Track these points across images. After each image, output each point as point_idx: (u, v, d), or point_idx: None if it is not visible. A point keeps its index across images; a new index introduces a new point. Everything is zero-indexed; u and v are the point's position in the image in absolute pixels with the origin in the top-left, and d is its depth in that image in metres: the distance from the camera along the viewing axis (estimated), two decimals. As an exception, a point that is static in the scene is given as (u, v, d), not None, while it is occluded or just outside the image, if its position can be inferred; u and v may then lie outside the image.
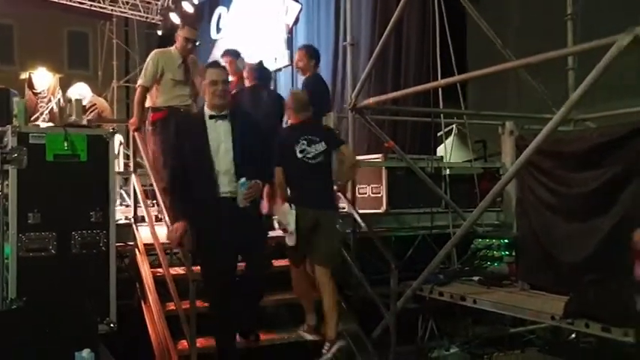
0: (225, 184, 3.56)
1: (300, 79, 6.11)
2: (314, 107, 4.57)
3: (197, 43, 5.37)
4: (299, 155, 4.13)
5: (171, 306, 3.92)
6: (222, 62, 5.43)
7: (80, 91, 6.41)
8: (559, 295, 3.86)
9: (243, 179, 3.50)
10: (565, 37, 5.98)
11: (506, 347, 5.23)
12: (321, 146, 4.18)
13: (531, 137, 3.82)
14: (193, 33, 5.08)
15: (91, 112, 6.03)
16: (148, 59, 4.98)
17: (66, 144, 3.25)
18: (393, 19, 4.76)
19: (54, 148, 3.31)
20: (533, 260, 4.28)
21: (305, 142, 4.17)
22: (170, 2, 11.01)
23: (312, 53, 5.62)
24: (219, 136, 3.60)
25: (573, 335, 4.95)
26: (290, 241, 4.10)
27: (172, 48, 5.02)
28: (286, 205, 4.07)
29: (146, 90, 4.90)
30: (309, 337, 4.14)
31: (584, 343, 4.91)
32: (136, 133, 4.82)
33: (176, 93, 4.93)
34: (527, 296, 4.23)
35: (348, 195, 5.09)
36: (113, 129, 3.61)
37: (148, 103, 4.95)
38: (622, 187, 3.44)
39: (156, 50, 5.11)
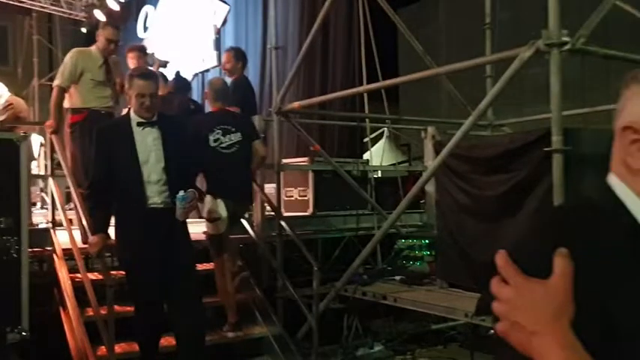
0: (156, 195, 3.37)
1: (228, 80, 6.14)
2: (241, 110, 4.69)
3: (119, 43, 5.26)
4: (212, 144, 4.19)
5: (90, 312, 3.85)
6: (129, 59, 5.50)
7: None
8: (475, 293, 4.04)
9: (181, 192, 3.27)
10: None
11: (429, 343, 5.41)
12: (236, 136, 4.24)
13: (447, 142, 3.99)
14: (115, 33, 4.92)
15: (6, 112, 5.78)
16: (66, 58, 4.80)
17: (-27, 149, 3.13)
18: (317, 22, 4.84)
19: (-39, 152, 3.17)
20: (450, 259, 4.46)
21: (220, 131, 4.23)
22: (95, -1, 10.72)
23: (239, 55, 5.65)
24: (149, 144, 3.40)
25: (492, 331, 5.17)
26: (218, 229, 4.21)
27: (93, 47, 4.86)
28: (208, 196, 4.18)
29: (63, 91, 4.71)
30: (231, 334, 4.20)
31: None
32: (53, 136, 4.65)
33: (97, 94, 4.76)
34: (444, 294, 4.40)
35: (274, 198, 5.15)
36: (25, 132, 3.50)
37: (66, 104, 4.78)
38: (528, 191, 3.63)
39: (75, 49, 4.91)
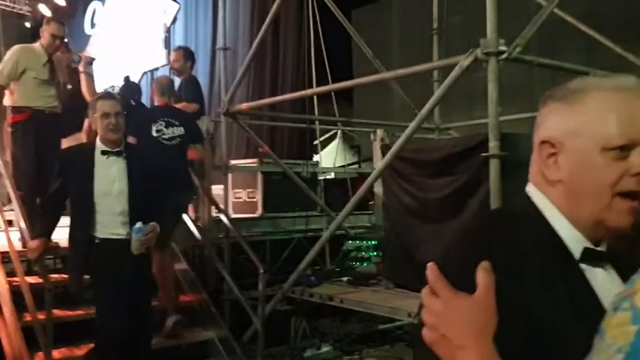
0: (118, 226, 3.30)
1: (178, 80, 6.10)
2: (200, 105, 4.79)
3: (65, 40, 5.12)
4: (154, 134, 4.37)
5: (28, 317, 3.76)
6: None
7: None
8: (420, 293, 4.11)
9: (139, 224, 3.19)
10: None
11: (376, 343, 5.49)
12: (179, 130, 4.44)
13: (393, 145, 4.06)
14: (60, 29, 4.76)
15: None
16: (7, 55, 4.62)
17: None
18: (266, 22, 4.84)
19: None
20: (396, 260, 4.53)
21: (163, 123, 4.42)
22: (41, -6, 10.40)
23: (188, 54, 5.62)
24: (112, 175, 3.32)
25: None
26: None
27: (37, 44, 4.69)
28: None
29: (2, 89, 4.54)
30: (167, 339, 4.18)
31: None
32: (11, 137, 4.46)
33: (40, 93, 4.61)
34: (390, 294, 4.46)
35: (222, 200, 5.12)
36: None
37: (7, 102, 4.60)
38: (469, 194, 3.73)
39: (18, 46, 4.74)
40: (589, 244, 1.02)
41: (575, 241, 1.02)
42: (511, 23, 3.37)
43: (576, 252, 1.01)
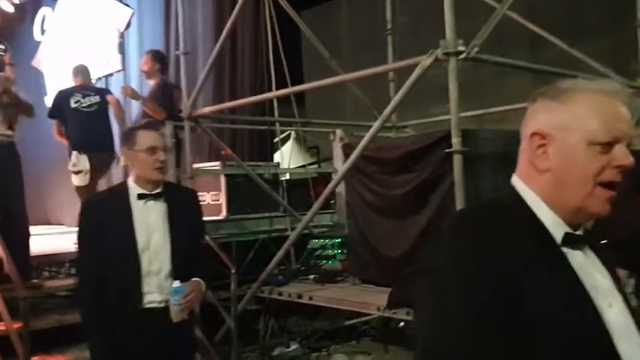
0: (155, 291, 2.59)
1: (146, 84, 6.12)
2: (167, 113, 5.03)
3: (3, 53, 4.92)
4: (73, 105, 5.41)
5: (2, 326, 3.74)
6: None
7: None
8: (385, 288, 4.25)
9: (176, 283, 2.55)
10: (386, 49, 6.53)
11: (343, 339, 5.60)
12: (95, 99, 5.56)
13: (357, 144, 4.18)
14: None
15: None
16: None
17: None
18: (226, 28, 4.88)
19: None
20: (361, 257, 4.64)
21: (80, 95, 5.50)
22: (-14, 0, 10.12)
23: (156, 57, 5.67)
24: (151, 224, 2.63)
25: (402, 323, 5.44)
26: (83, 181, 5.28)
27: None
28: (74, 151, 5.27)
29: None
30: None
31: (412, 330, 5.39)
32: None
33: None
34: (357, 290, 4.58)
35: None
36: None
37: None
38: (431, 190, 3.88)
39: None
40: (569, 230, 1.15)
41: (556, 226, 1.14)
42: (461, 23, 3.52)
43: (558, 236, 1.14)
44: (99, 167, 5.49)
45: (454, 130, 3.20)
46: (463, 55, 3.20)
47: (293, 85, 5.79)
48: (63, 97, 5.53)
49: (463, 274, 1.07)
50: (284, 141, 7.10)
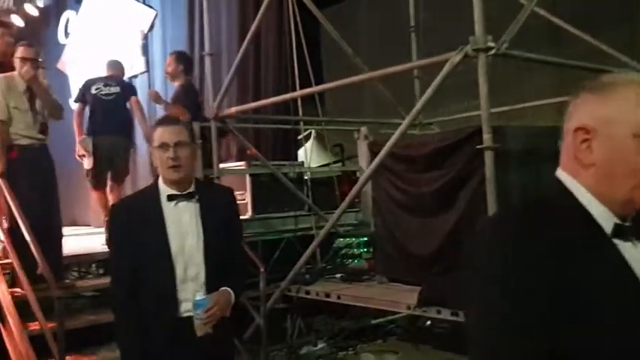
0: (190, 299, 2.42)
1: (170, 85, 6.19)
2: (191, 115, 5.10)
3: (40, 60, 4.92)
4: (93, 92, 5.82)
5: (32, 326, 3.80)
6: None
7: None
8: (413, 286, 4.23)
9: (199, 295, 2.38)
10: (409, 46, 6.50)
11: (370, 338, 5.60)
12: (115, 89, 5.92)
13: (383, 142, 4.16)
14: (29, 51, 4.52)
15: None
16: None
17: None
18: (251, 30, 4.91)
19: None
20: (388, 255, 4.63)
21: (102, 83, 5.92)
22: (11, 4, 10.28)
23: (180, 58, 5.71)
24: (183, 227, 2.45)
25: (429, 322, 5.42)
26: (87, 164, 5.72)
27: (14, 73, 4.48)
28: (83, 135, 5.73)
29: (4, 125, 4.32)
30: None
31: (440, 329, 5.38)
32: (0, 181, 4.25)
33: (22, 126, 4.41)
34: (384, 289, 4.56)
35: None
36: None
37: None
38: (460, 187, 3.85)
39: None
40: (618, 221, 1.15)
41: (605, 218, 1.14)
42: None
43: (607, 228, 1.13)
44: (108, 152, 5.72)
45: (485, 126, 3.18)
46: (493, 52, 3.17)
47: (317, 84, 5.79)
48: (87, 83, 5.97)
49: (512, 267, 1.08)
50: (305, 140, 7.10)
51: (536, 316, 1.04)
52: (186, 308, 2.42)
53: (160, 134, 2.47)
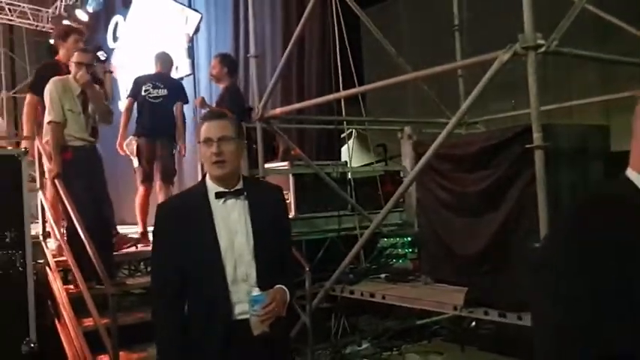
0: (245, 300, 2.28)
1: (215, 87, 6.31)
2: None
3: (101, 60, 5.12)
4: (142, 93, 5.89)
5: (86, 322, 3.92)
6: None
7: None
8: (459, 287, 4.20)
9: (256, 291, 2.26)
10: (450, 45, 6.45)
11: (414, 339, 5.57)
12: (162, 92, 5.92)
13: (429, 142, 4.15)
14: (86, 57, 4.67)
15: None
16: (46, 90, 4.53)
17: (-23, 165, 3.16)
18: (295, 33, 4.97)
19: (-36, 169, 3.19)
20: (434, 255, 4.59)
21: (151, 85, 5.93)
22: (62, 10, 10.63)
23: (224, 61, 5.81)
24: (232, 225, 2.34)
25: (474, 323, 5.37)
26: (134, 163, 5.96)
27: (70, 76, 4.64)
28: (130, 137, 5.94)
29: (59, 126, 4.45)
30: None
31: (485, 330, 5.32)
32: (57, 181, 4.29)
33: (76, 128, 4.53)
34: (430, 289, 4.53)
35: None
36: (26, 149, 3.49)
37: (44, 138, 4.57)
38: (508, 186, 3.81)
39: (53, 79, 4.64)
40: None
41: None
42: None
43: None
44: (152, 154, 5.82)
45: (535, 125, 3.14)
46: (543, 49, 3.13)
47: (360, 84, 5.81)
48: (138, 81, 6.05)
49: (581, 265, 1.12)
50: (347, 138, 7.13)
51: (602, 313, 1.05)
52: (239, 310, 2.28)
53: (205, 129, 2.36)
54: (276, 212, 2.46)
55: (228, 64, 5.90)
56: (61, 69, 4.89)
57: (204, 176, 2.45)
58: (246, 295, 2.26)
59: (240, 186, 2.38)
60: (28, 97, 5.07)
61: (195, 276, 2.29)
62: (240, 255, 2.30)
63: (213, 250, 2.28)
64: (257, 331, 2.24)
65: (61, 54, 5.04)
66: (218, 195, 2.34)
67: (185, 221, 2.34)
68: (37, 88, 4.84)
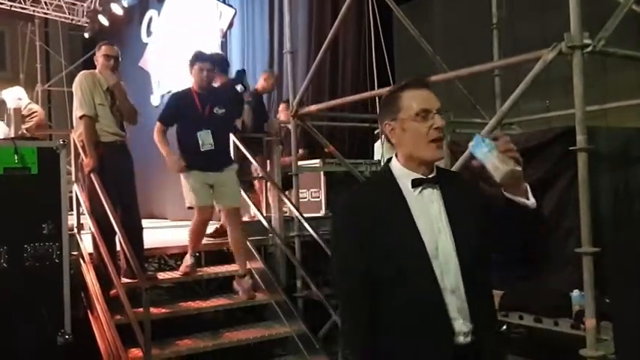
0: (459, 317, 1.75)
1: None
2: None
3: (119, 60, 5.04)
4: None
5: (118, 315, 3.95)
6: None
7: (17, 95, 5.97)
8: (495, 290, 4.12)
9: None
10: (485, 44, 6.34)
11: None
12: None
13: (463, 142, 4.06)
14: (112, 49, 4.65)
15: (31, 119, 5.75)
16: (76, 84, 4.49)
17: (16, 157, 3.19)
18: (331, 31, 4.92)
19: (4, 162, 3.22)
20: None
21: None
22: (97, 4, 10.75)
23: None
24: (433, 221, 1.81)
25: (504, 327, 5.27)
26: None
27: (96, 70, 4.60)
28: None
29: (92, 120, 4.42)
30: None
31: (516, 334, 5.24)
32: (92, 175, 4.27)
33: (107, 122, 4.50)
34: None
35: (293, 199, 5.24)
36: (64, 141, 3.51)
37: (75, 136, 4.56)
38: (547, 188, 3.72)
39: (82, 72, 4.64)
40: None
41: None
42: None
43: None
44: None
45: (579, 127, 3.05)
46: (589, 49, 3.04)
47: (394, 82, 5.74)
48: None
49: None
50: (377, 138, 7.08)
51: None
52: (460, 330, 1.75)
53: (418, 98, 1.84)
54: (477, 209, 1.86)
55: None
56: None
57: (386, 163, 1.94)
58: (458, 310, 1.74)
59: (435, 173, 1.87)
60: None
61: (398, 289, 1.78)
62: (447, 260, 1.78)
63: (417, 252, 1.77)
64: (503, 171, 1.69)
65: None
66: (415, 183, 1.83)
67: (376, 216, 1.83)
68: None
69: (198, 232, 4.76)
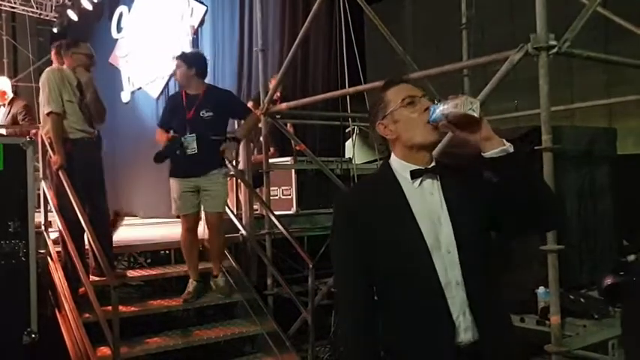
0: (459, 312, 1.70)
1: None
2: None
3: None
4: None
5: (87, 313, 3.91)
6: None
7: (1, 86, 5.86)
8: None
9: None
10: (455, 44, 6.44)
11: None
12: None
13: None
14: (91, 49, 4.63)
15: (26, 117, 5.63)
16: (44, 80, 4.41)
17: (-19, 154, 3.13)
18: (302, 31, 4.93)
19: (-31, 159, 3.16)
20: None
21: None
22: (67, -1, 10.58)
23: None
24: (434, 212, 1.76)
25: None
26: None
27: (64, 67, 4.53)
28: None
29: (60, 117, 4.35)
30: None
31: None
32: (60, 172, 4.23)
33: (75, 119, 4.43)
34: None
35: (264, 197, 5.24)
36: (31, 137, 3.45)
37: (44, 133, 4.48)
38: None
39: (50, 68, 4.55)
40: None
41: None
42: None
43: None
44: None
45: (545, 127, 3.11)
46: (555, 50, 3.11)
47: (365, 81, 5.78)
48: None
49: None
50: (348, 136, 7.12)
51: None
52: (465, 326, 1.69)
53: (399, 91, 1.82)
54: (478, 201, 1.79)
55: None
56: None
57: (385, 159, 1.89)
58: (460, 306, 1.69)
59: (433, 162, 1.83)
60: None
61: (398, 286, 1.76)
62: (450, 254, 1.73)
63: (416, 246, 1.72)
64: (461, 110, 1.64)
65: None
66: (414, 174, 1.79)
67: (374, 212, 1.79)
68: None
69: (188, 247, 4.56)
